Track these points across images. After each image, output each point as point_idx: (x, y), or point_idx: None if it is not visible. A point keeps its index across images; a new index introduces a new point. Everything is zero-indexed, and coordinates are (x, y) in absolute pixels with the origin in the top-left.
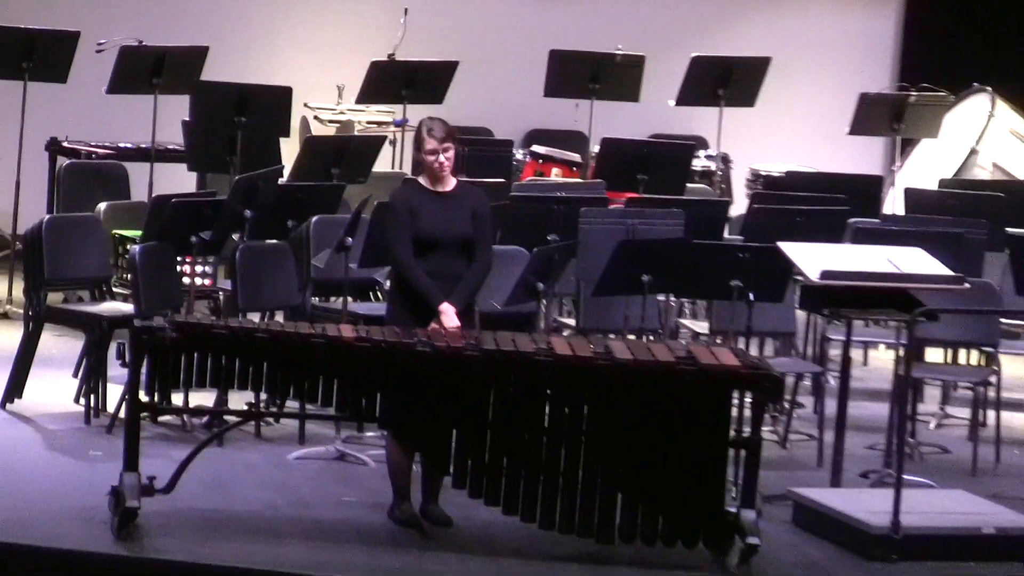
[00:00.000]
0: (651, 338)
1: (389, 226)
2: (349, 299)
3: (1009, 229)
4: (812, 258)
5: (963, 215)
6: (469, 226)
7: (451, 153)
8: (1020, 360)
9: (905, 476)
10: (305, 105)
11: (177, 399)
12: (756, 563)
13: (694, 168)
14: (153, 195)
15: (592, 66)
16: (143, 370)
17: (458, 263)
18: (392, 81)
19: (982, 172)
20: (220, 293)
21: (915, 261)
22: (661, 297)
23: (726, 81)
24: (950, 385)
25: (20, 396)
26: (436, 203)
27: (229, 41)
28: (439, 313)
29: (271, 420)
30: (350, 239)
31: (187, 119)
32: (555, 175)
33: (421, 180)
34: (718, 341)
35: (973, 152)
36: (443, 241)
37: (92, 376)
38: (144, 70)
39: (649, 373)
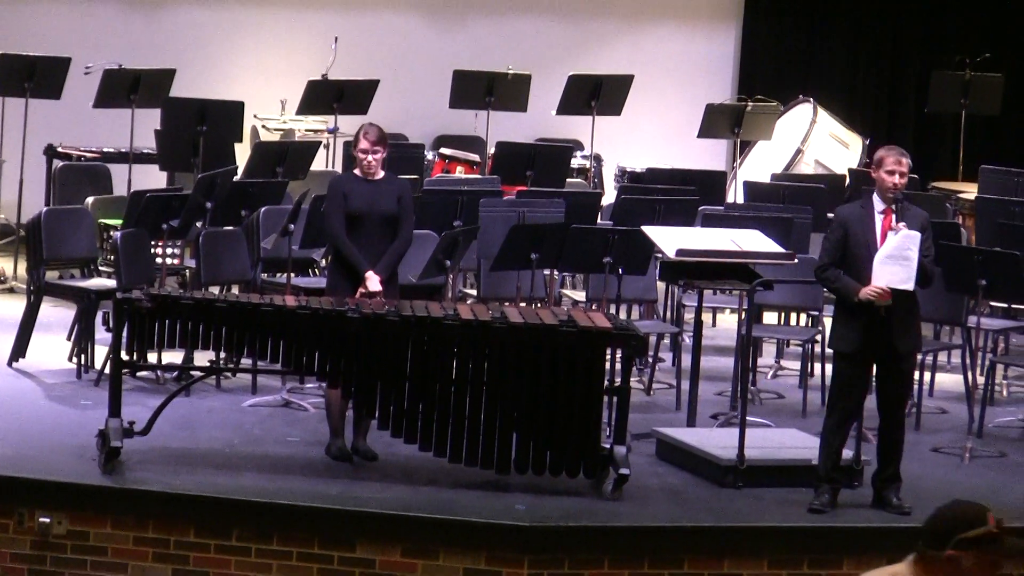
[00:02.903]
0: (538, 305)
1: (326, 205)
2: (292, 274)
3: (830, 214)
4: (669, 239)
5: (792, 203)
6: (394, 206)
7: (380, 155)
8: None
9: (748, 417)
10: (255, 116)
11: (152, 357)
12: (627, 489)
13: (572, 166)
14: (131, 190)
15: (488, 82)
16: (124, 333)
17: (383, 240)
18: (325, 96)
19: (807, 167)
20: (186, 270)
21: (753, 240)
22: (546, 271)
23: (597, 94)
24: (783, 342)
25: (24, 355)
26: (366, 187)
27: (192, 64)
28: (364, 279)
29: (229, 374)
30: (292, 225)
31: (158, 128)
32: (459, 172)
33: (356, 172)
34: (593, 307)
35: (799, 151)
36: (369, 217)
37: (82, 339)
38: (123, 88)
39: (537, 333)
